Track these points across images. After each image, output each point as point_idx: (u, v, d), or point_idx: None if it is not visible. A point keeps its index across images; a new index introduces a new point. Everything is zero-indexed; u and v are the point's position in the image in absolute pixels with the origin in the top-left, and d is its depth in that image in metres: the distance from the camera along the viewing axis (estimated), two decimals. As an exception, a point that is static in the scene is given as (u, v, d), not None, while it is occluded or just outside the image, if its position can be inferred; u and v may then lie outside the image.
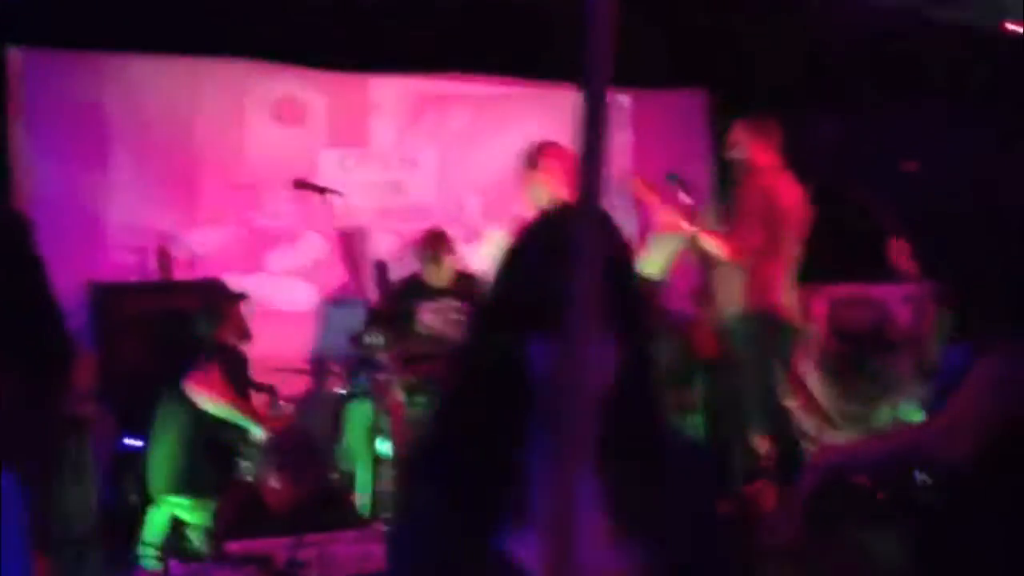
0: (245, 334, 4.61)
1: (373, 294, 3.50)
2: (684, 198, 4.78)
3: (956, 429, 2.08)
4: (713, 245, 4.68)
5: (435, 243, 5.36)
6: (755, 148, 4.79)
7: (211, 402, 4.13)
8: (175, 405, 4.24)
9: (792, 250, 4.77)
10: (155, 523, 4.26)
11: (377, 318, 3.78)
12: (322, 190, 4.21)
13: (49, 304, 3.94)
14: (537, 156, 4.14)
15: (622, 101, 6.67)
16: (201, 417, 4.19)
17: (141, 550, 4.16)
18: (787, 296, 4.74)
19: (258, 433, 4.12)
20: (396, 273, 5.24)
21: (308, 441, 3.73)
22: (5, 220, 3.90)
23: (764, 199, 4.65)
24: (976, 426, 2.06)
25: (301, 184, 4.27)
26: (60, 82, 5.31)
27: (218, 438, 4.17)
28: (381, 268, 3.31)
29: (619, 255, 1.24)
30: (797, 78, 6.08)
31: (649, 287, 4.71)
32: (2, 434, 3.67)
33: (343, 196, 4.33)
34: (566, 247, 0.93)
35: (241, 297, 4.66)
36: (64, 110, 5.31)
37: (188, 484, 4.19)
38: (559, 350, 0.95)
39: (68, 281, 4.70)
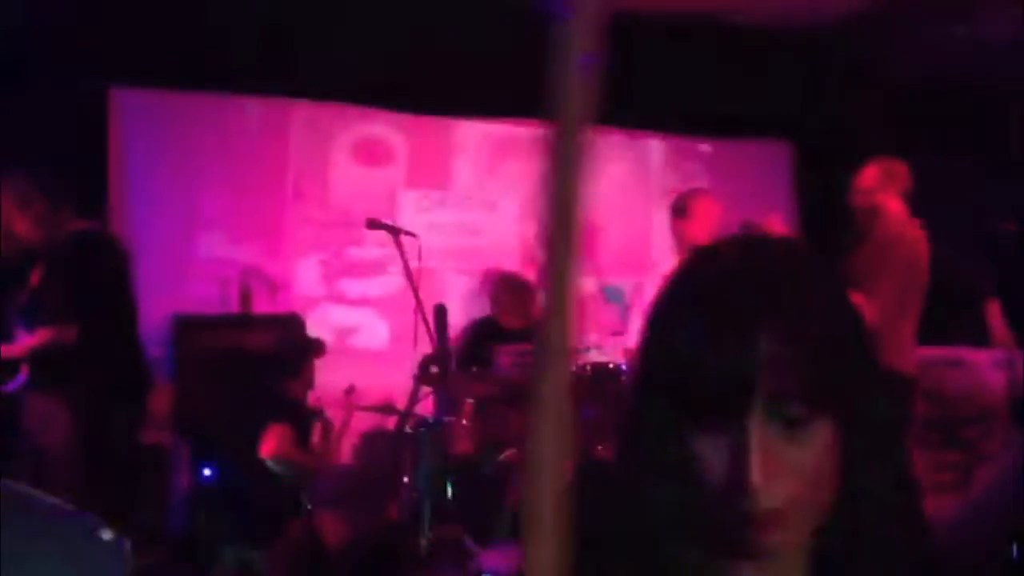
0: (310, 387, 4.67)
1: (432, 337, 3.54)
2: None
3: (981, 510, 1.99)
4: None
5: (515, 287, 5.41)
6: (885, 194, 4.41)
7: (278, 463, 4.19)
8: (241, 452, 4.29)
9: (919, 305, 4.41)
10: (228, 555, 4.35)
11: (431, 361, 3.81)
12: (395, 231, 4.27)
13: (135, 334, 4.10)
14: (687, 204, 4.08)
15: (703, 149, 6.66)
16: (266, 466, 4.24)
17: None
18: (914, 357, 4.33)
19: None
20: (468, 315, 5.30)
21: (367, 479, 3.75)
22: (108, 248, 4.06)
23: (898, 251, 4.30)
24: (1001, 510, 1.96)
25: (374, 224, 4.33)
26: (157, 120, 5.52)
27: (282, 485, 4.22)
28: (440, 312, 3.35)
29: None
30: (888, 131, 5.98)
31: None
32: (87, 460, 3.82)
33: (416, 237, 4.38)
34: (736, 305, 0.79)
35: (317, 352, 4.68)
36: (159, 147, 5.51)
37: (254, 536, 4.23)
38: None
39: (155, 312, 4.88)
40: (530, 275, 5.53)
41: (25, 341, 3.80)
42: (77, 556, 0.82)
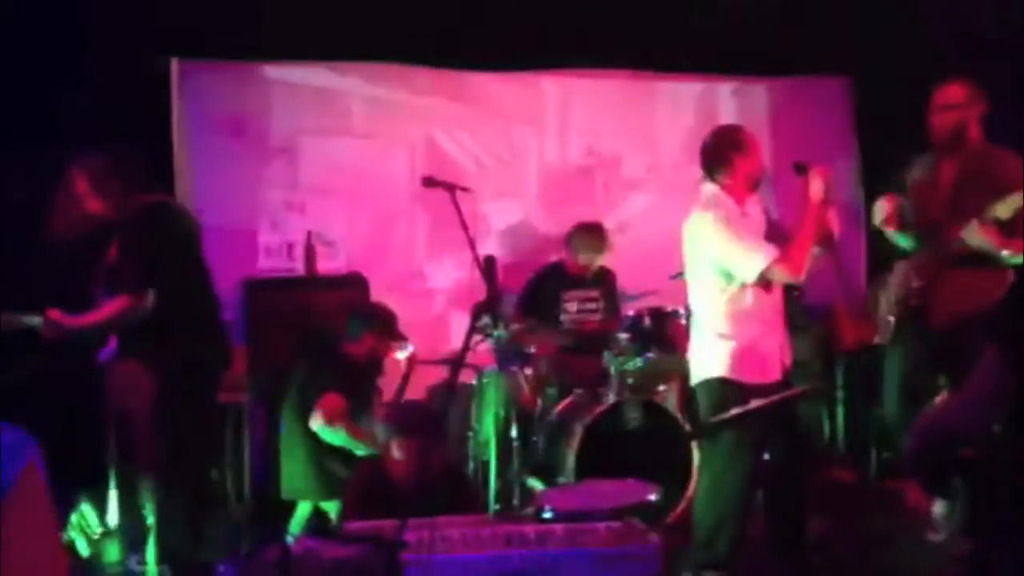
0: (378, 357, 4.67)
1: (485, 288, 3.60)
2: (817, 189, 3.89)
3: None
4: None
5: (592, 235, 5.47)
6: (971, 111, 4.21)
7: (329, 432, 4.29)
8: (299, 412, 4.40)
9: None
10: (302, 509, 4.51)
11: (483, 310, 3.84)
12: (452, 187, 4.32)
13: (211, 298, 4.24)
14: (741, 137, 3.93)
15: (758, 90, 6.58)
16: None
17: (290, 528, 4.42)
18: None
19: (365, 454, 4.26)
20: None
21: (435, 419, 3.84)
22: (182, 219, 4.19)
23: (982, 173, 4.12)
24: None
25: (430, 182, 4.39)
26: (217, 91, 5.67)
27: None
28: (489, 263, 3.40)
29: None
30: (948, 63, 5.81)
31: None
32: (169, 421, 3.99)
33: (471, 191, 4.44)
34: None
35: (384, 317, 4.68)
36: (221, 117, 5.66)
37: (320, 491, 4.39)
38: None
39: (224, 279, 5.03)
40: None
41: (103, 309, 3.95)
42: None
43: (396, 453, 3.57)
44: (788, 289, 4.05)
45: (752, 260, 3.69)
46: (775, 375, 3.84)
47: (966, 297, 4.07)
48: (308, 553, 2.60)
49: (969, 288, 4.09)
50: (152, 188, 4.14)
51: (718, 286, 3.80)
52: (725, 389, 3.78)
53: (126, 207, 4.02)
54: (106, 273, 4.02)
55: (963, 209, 4.11)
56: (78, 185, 4.06)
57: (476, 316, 2.89)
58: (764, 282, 3.76)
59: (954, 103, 4.22)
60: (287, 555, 2.58)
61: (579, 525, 2.77)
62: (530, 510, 4.18)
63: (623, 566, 2.59)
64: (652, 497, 3.28)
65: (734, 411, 3.39)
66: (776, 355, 3.87)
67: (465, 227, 4.16)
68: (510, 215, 6.21)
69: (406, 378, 4.81)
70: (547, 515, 3.10)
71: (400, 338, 4.74)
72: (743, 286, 3.77)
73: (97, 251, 4.04)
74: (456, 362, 2.82)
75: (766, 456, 3.95)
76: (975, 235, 4.07)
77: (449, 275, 6.01)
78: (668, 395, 5.06)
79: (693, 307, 3.97)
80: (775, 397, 3.47)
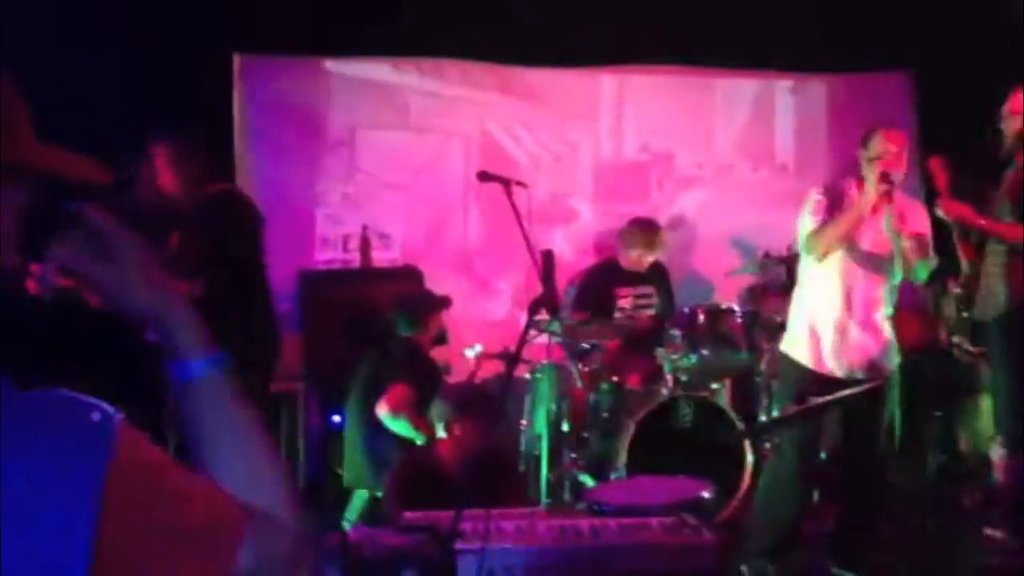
0: (443, 339, 4.76)
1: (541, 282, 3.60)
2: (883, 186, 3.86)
3: None
4: (1002, 234, 4.13)
5: (646, 231, 5.47)
6: None
7: (394, 421, 4.32)
8: (365, 402, 4.46)
9: None
10: (358, 498, 4.57)
11: (540, 305, 3.87)
12: (507, 182, 4.33)
13: (264, 290, 4.30)
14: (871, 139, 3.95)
15: (816, 87, 6.51)
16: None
17: (345, 517, 4.48)
18: None
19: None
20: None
21: (492, 401, 3.86)
22: (247, 211, 4.26)
23: None
24: None
25: (485, 176, 4.41)
26: (278, 86, 5.76)
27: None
28: (547, 257, 3.40)
29: None
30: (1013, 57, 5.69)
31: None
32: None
33: (526, 187, 4.45)
34: None
35: (444, 304, 4.78)
36: (280, 110, 5.75)
37: (380, 480, 4.36)
38: None
39: (282, 269, 5.12)
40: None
41: None
42: (57, 437, 0.90)
43: (451, 431, 3.59)
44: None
45: (801, 226, 3.79)
46: (843, 368, 3.82)
47: None
48: (365, 540, 2.64)
49: None
50: (224, 178, 4.21)
51: (803, 261, 3.91)
52: (787, 367, 3.85)
53: (196, 191, 4.08)
54: (167, 259, 4.09)
55: None
56: (157, 160, 4.14)
57: (533, 310, 2.90)
58: (817, 256, 3.78)
59: (1010, 111, 4.21)
60: (345, 542, 2.62)
61: (632, 520, 2.77)
62: (582, 505, 4.20)
63: (677, 561, 2.60)
64: (705, 494, 3.27)
65: (789, 410, 3.39)
66: (850, 348, 3.84)
67: (520, 222, 4.18)
68: (564, 210, 6.21)
69: (473, 375, 4.86)
70: (599, 509, 3.11)
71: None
72: (825, 267, 3.78)
73: (161, 231, 4.10)
74: (513, 356, 2.83)
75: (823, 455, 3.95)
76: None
77: (503, 269, 6.03)
78: (721, 393, 5.04)
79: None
80: (830, 397, 3.46)
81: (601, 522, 2.77)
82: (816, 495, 4.47)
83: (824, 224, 3.79)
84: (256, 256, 4.27)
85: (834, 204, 3.85)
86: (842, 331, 3.86)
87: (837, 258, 3.81)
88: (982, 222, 4.23)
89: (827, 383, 3.74)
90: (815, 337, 3.87)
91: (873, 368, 3.88)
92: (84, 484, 0.89)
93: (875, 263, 3.82)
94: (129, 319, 1.08)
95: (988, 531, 4.33)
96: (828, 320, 3.85)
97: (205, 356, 1.10)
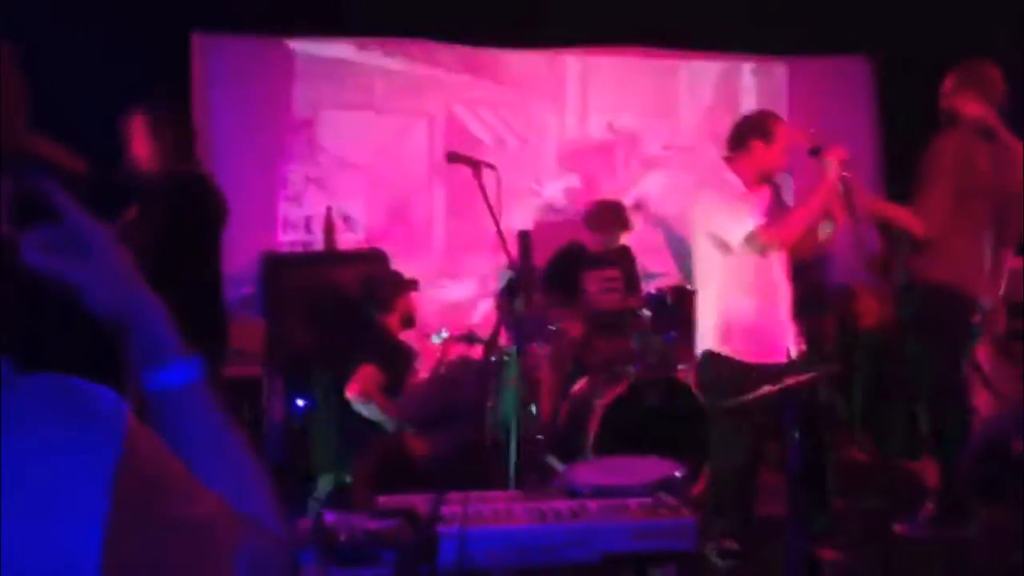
0: (410, 322, 4.71)
1: (518, 264, 3.58)
2: (831, 169, 3.85)
3: None
4: (898, 221, 4.19)
5: (612, 213, 5.46)
6: (963, 98, 4.19)
7: (363, 404, 4.27)
8: (333, 386, 4.40)
9: (989, 217, 4.19)
10: (324, 483, 4.52)
11: (520, 287, 3.87)
12: (474, 162, 4.29)
13: (216, 280, 4.20)
14: (771, 126, 3.91)
15: (779, 69, 6.54)
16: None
17: (310, 503, 4.43)
18: (976, 269, 4.19)
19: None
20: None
21: (451, 399, 3.84)
22: (209, 193, 4.14)
23: (957, 159, 4.07)
24: None
25: (454, 157, 4.37)
26: (238, 66, 5.65)
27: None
28: (524, 238, 3.39)
29: None
30: (973, 41, 5.76)
31: (812, 259, 4.58)
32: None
33: (495, 169, 4.41)
34: None
35: (411, 286, 4.73)
36: (242, 90, 5.64)
37: (349, 464, 4.34)
38: None
39: (244, 252, 5.03)
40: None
41: None
42: (68, 425, 0.86)
43: (416, 439, 3.58)
44: (805, 270, 4.08)
45: (740, 224, 3.72)
46: (776, 356, 3.84)
47: None
48: (340, 525, 2.60)
49: None
50: (193, 158, 4.10)
51: (713, 256, 3.85)
52: (720, 364, 3.83)
53: (168, 165, 3.96)
54: (119, 231, 3.97)
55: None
56: (135, 130, 4.00)
57: (512, 292, 2.87)
58: (760, 255, 3.78)
59: (945, 91, 4.25)
60: (320, 527, 2.57)
61: (610, 500, 2.76)
62: (553, 486, 4.19)
63: (658, 541, 2.60)
64: (677, 474, 3.27)
65: (740, 398, 3.39)
66: (777, 336, 3.87)
67: (489, 204, 4.14)
68: (530, 192, 6.18)
69: (440, 361, 4.81)
70: (573, 491, 3.10)
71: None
72: (736, 257, 3.79)
73: (121, 200, 3.96)
74: (490, 340, 2.81)
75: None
76: None
77: (469, 251, 5.99)
78: (689, 374, 5.05)
79: (697, 281, 4.01)
80: (784, 384, 3.46)
81: (579, 503, 2.76)
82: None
83: (789, 218, 3.80)
84: (212, 244, 4.16)
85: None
86: (772, 319, 3.89)
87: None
88: (878, 207, 4.28)
89: (770, 372, 3.76)
90: (746, 330, 3.86)
91: (795, 356, 3.93)
92: (96, 476, 0.86)
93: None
94: (102, 321, 1.02)
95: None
96: (756, 310, 3.86)
97: (183, 363, 1.04)
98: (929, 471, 4.53)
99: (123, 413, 0.90)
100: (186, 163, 4.04)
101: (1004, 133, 4.22)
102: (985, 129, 4.17)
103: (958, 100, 4.20)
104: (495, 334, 2.89)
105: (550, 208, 6.22)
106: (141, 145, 3.99)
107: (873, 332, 5.58)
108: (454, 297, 5.98)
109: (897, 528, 4.23)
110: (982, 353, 4.63)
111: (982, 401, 4.66)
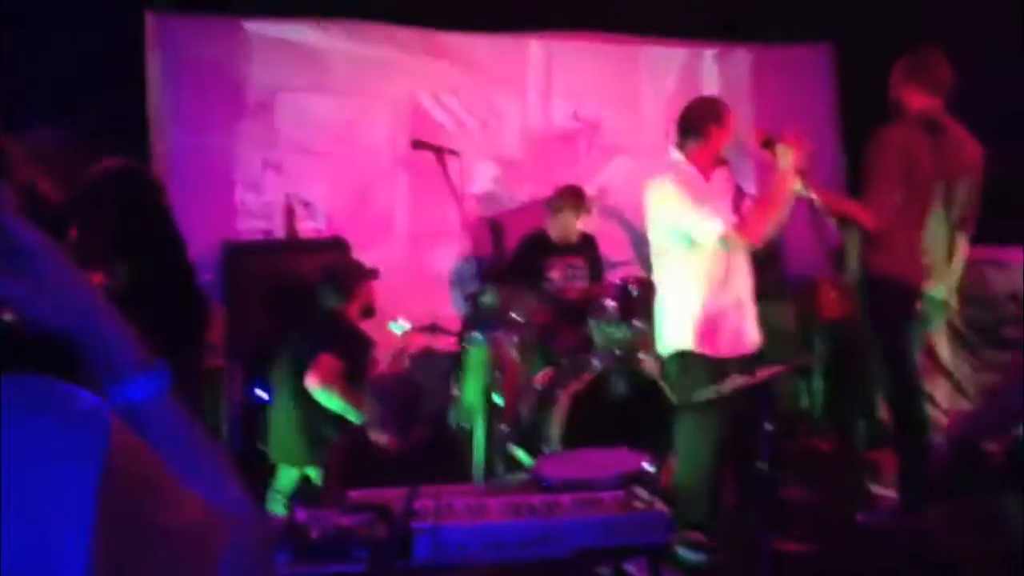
0: (370, 311, 4.65)
1: (488, 252, 3.54)
2: (786, 159, 3.84)
3: None
4: (849, 214, 4.17)
5: (573, 199, 5.43)
6: (908, 87, 4.16)
7: (324, 393, 4.21)
8: (293, 376, 4.33)
9: (937, 207, 4.19)
10: (285, 474, 4.45)
11: (490, 276, 3.84)
12: (439, 149, 4.25)
13: (185, 263, 4.11)
14: (723, 113, 3.92)
15: (741, 56, 6.56)
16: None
17: (271, 496, 4.36)
18: (926, 260, 4.22)
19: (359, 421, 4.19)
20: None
21: (414, 393, 3.80)
22: (142, 182, 4.05)
23: (902, 152, 4.06)
24: None
25: (419, 144, 4.33)
26: (194, 46, 5.51)
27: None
28: (496, 227, 3.35)
29: None
30: (933, 29, 5.80)
31: (769, 250, 4.60)
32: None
33: (459, 155, 4.37)
34: None
35: (372, 275, 4.66)
36: (198, 73, 5.51)
37: (310, 456, 4.30)
38: None
39: (202, 239, 4.92)
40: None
41: None
42: (52, 430, 0.82)
43: (376, 434, 3.53)
44: (764, 261, 4.09)
45: (709, 223, 3.73)
46: (742, 348, 3.86)
47: None
48: (312, 521, 2.55)
49: None
50: (106, 152, 3.97)
51: (678, 253, 3.83)
52: (690, 361, 3.83)
53: (79, 181, 3.83)
54: (73, 252, 3.85)
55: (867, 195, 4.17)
56: (23, 167, 3.87)
57: (484, 280, 2.83)
58: (726, 250, 3.79)
59: (892, 80, 4.24)
60: (292, 523, 2.52)
61: (583, 494, 2.74)
62: (520, 477, 4.17)
63: (631, 535, 2.58)
64: (648, 467, 3.26)
65: (714, 389, 3.39)
66: (742, 327, 3.90)
67: (454, 192, 4.11)
68: (492, 178, 6.14)
69: (401, 352, 4.76)
70: (544, 484, 3.07)
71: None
72: (704, 254, 3.78)
73: (58, 231, 3.87)
74: (463, 329, 2.77)
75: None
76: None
77: (431, 239, 5.93)
78: (652, 363, 5.05)
79: (656, 277, 3.99)
80: (757, 377, 3.46)
81: (553, 498, 2.73)
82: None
83: (757, 215, 3.79)
84: (167, 230, 4.06)
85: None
86: (738, 310, 3.90)
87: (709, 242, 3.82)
88: (831, 200, 4.25)
89: (739, 364, 3.78)
90: (712, 324, 3.85)
91: (758, 346, 3.95)
92: (82, 482, 0.82)
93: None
94: (53, 337, 0.97)
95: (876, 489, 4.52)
96: (722, 303, 3.86)
97: (144, 375, 0.99)
98: (888, 460, 4.58)
99: (106, 416, 0.86)
100: (100, 167, 3.90)
101: (949, 122, 4.23)
102: (928, 121, 4.18)
103: (903, 92, 4.19)
104: (466, 325, 2.85)
105: (512, 194, 6.18)
106: (39, 181, 3.86)
107: (834, 323, 5.62)
108: (417, 286, 5.92)
109: (859, 518, 4.27)
110: (939, 343, 4.67)
111: (941, 392, 4.71)
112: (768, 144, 3.83)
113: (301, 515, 2.55)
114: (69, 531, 0.81)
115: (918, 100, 4.17)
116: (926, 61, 4.19)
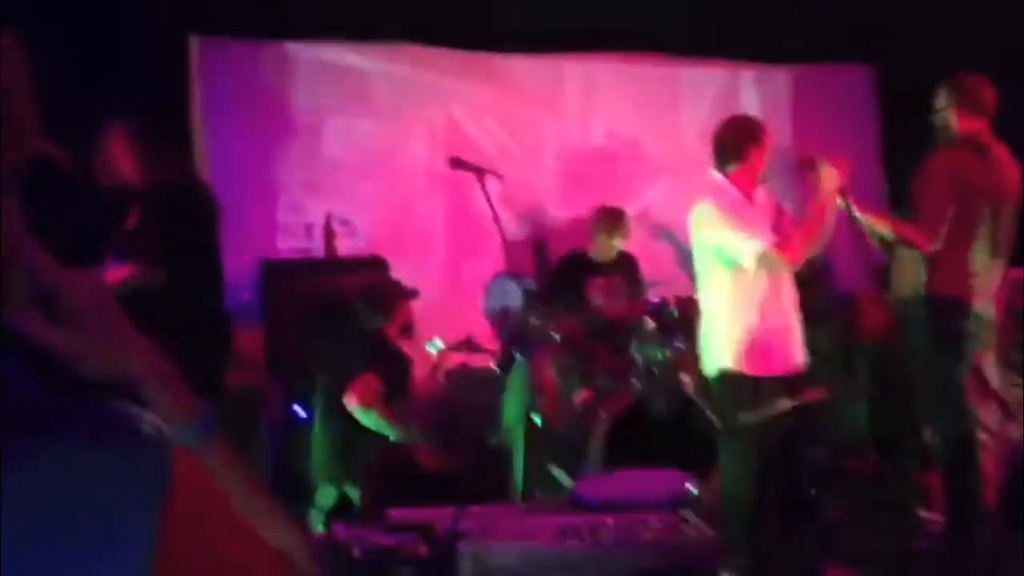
0: (409, 330, 4.66)
1: (534, 273, 3.53)
2: (828, 180, 3.88)
3: None
4: (901, 235, 4.14)
5: (613, 219, 5.41)
6: (953, 111, 4.18)
7: (363, 413, 4.21)
8: (332, 395, 4.33)
9: (984, 229, 4.18)
10: (324, 493, 4.45)
11: (538, 297, 3.83)
12: (479, 170, 4.25)
13: (220, 281, 4.17)
14: (761, 132, 3.95)
15: (780, 77, 6.53)
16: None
17: (311, 514, 4.36)
18: (975, 280, 4.18)
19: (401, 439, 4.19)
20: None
21: (457, 413, 3.79)
22: (206, 199, 4.12)
23: (953, 175, 4.08)
24: None
25: (457, 163, 4.32)
26: (237, 70, 5.58)
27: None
28: (540, 247, 3.34)
29: None
30: (973, 52, 5.75)
31: (812, 270, 4.55)
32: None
33: (501, 178, 4.37)
34: None
35: (411, 295, 4.67)
36: (241, 95, 5.56)
37: (350, 475, 4.29)
38: None
39: (242, 257, 4.96)
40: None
41: (111, 274, 3.83)
42: (113, 453, 0.80)
43: (423, 450, 3.52)
44: (809, 280, 4.06)
45: (750, 243, 3.71)
46: (788, 367, 3.83)
47: None
48: (353, 540, 2.54)
49: None
50: (182, 164, 4.07)
51: (722, 274, 3.81)
52: (736, 382, 3.80)
53: (155, 177, 3.94)
54: (122, 240, 3.93)
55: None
56: (115, 145, 3.97)
57: (531, 302, 2.81)
58: (769, 270, 3.76)
59: (935, 106, 4.25)
60: (332, 542, 2.51)
61: (630, 516, 2.71)
62: (563, 498, 4.13)
63: (681, 560, 2.54)
64: (692, 489, 3.22)
65: (760, 412, 3.36)
66: (788, 345, 3.87)
67: (494, 211, 4.11)
68: (530, 199, 6.12)
69: (435, 371, 4.76)
70: (586, 504, 3.04)
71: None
72: (747, 275, 3.76)
73: (118, 214, 3.94)
74: (513, 347, 2.75)
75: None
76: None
77: (469, 259, 5.93)
78: (693, 384, 5.00)
79: (701, 298, 3.98)
80: (805, 398, 3.43)
81: (598, 519, 2.70)
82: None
83: (798, 236, 3.78)
84: (213, 247, 4.13)
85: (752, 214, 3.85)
86: (784, 330, 3.87)
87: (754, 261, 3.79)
88: (880, 221, 4.21)
89: (785, 384, 3.74)
90: (759, 345, 3.82)
91: (799, 363, 3.92)
92: (143, 510, 0.80)
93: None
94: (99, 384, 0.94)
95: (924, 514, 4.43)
96: (769, 325, 3.83)
97: (190, 424, 0.96)
98: (936, 484, 4.50)
99: (168, 443, 0.84)
100: (176, 171, 4.00)
101: (996, 145, 4.23)
102: (977, 143, 4.18)
103: (949, 116, 4.21)
104: (505, 344, 2.84)
105: (551, 215, 6.16)
106: (123, 160, 3.94)
107: (876, 342, 5.55)
108: (455, 304, 5.91)
109: (907, 543, 4.19)
110: (987, 364, 4.60)
111: (990, 416, 4.62)
112: (810, 164, 3.81)
113: (342, 533, 2.54)
114: (129, 565, 0.79)
115: (964, 123, 4.18)
116: (970, 85, 4.21)
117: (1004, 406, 4.63)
